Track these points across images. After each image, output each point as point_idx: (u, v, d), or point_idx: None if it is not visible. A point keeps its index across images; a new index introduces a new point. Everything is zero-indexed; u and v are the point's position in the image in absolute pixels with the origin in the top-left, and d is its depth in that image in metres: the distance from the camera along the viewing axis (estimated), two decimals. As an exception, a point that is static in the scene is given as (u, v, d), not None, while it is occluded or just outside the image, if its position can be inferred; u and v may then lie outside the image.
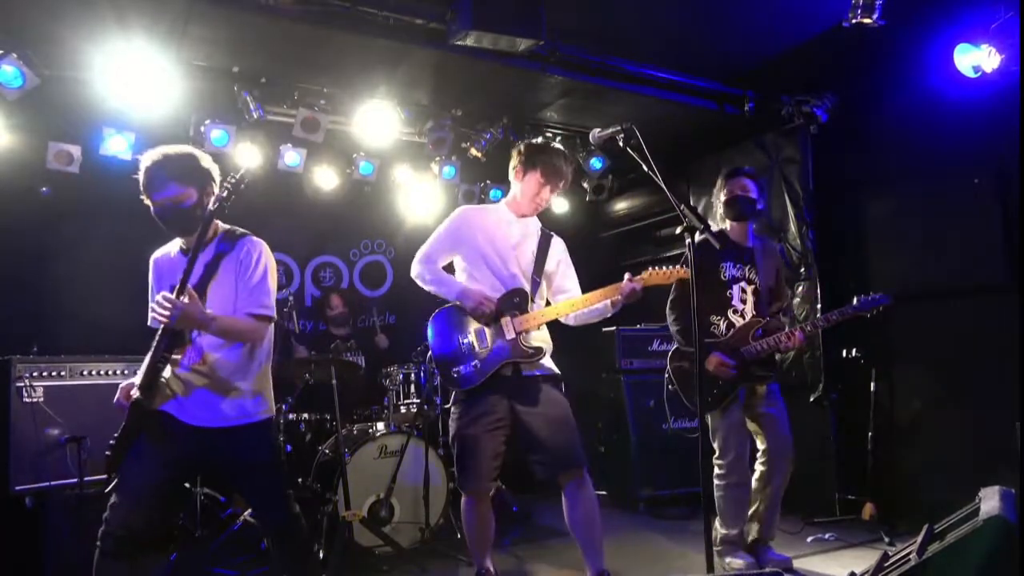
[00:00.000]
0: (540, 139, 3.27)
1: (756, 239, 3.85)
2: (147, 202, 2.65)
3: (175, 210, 2.61)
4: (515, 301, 3.11)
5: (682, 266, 3.07)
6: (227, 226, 2.78)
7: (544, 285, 3.27)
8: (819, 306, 5.00)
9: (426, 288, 3.24)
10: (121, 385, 2.67)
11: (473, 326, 3.11)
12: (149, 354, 2.59)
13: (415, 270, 3.25)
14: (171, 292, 2.61)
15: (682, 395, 3.72)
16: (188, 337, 2.64)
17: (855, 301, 3.56)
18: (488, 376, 3.03)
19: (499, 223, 3.24)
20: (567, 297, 3.25)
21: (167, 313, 2.45)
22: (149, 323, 2.82)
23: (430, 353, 3.22)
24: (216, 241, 2.71)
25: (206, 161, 2.72)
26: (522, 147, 3.26)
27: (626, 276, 3.08)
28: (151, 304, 2.80)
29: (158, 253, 2.85)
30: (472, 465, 3.06)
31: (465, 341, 3.10)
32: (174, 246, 2.81)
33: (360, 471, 4.18)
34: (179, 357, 2.64)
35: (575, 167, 3.26)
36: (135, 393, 2.59)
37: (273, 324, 2.76)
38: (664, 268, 3.07)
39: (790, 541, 4.20)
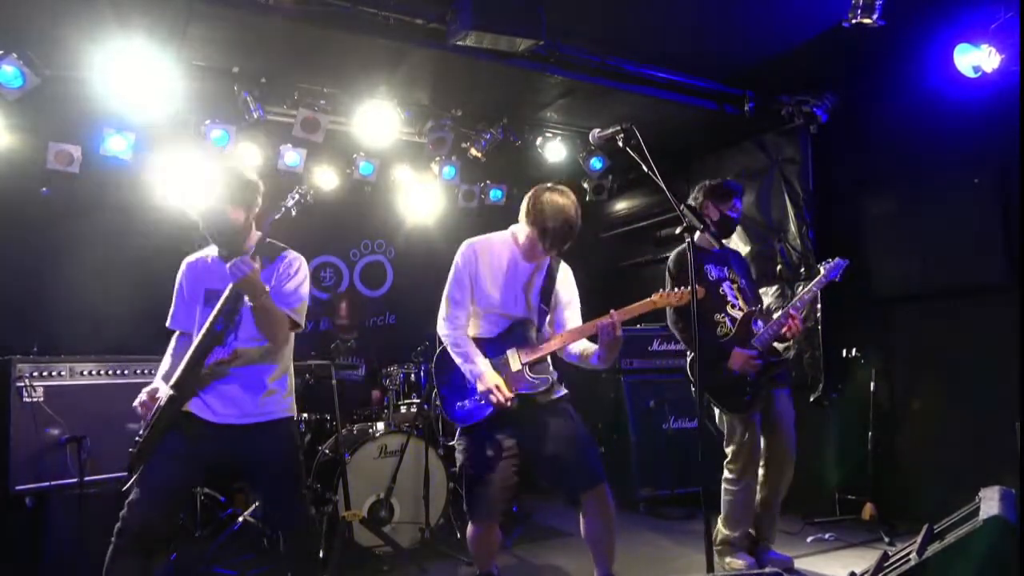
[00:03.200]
0: (552, 192, 3.02)
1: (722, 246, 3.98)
2: (195, 219, 2.73)
3: (228, 230, 2.68)
4: (520, 333, 3.04)
5: (672, 290, 2.97)
6: (268, 239, 2.84)
7: (551, 315, 3.17)
8: (819, 306, 5.00)
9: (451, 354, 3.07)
10: (145, 388, 2.71)
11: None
12: (189, 353, 2.65)
13: (443, 330, 3.07)
14: (203, 297, 2.74)
15: (713, 400, 3.66)
16: (224, 338, 2.67)
17: (823, 271, 3.70)
18: (494, 409, 2.93)
19: (504, 255, 3.09)
20: (563, 327, 3.11)
21: (239, 271, 2.49)
22: (168, 324, 2.89)
23: (435, 389, 3.14)
24: (254, 252, 2.75)
25: (252, 176, 2.77)
26: (533, 196, 2.99)
27: (611, 312, 2.88)
28: (174, 306, 2.89)
29: (191, 258, 2.91)
30: (484, 496, 2.96)
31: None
32: (211, 251, 2.87)
33: (360, 471, 4.18)
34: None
35: (577, 225, 3.00)
36: (167, 392, 2.63)
37: (300, 327, 2.79)
38: (657, 296, 2.95)
39: (790, 541, 4.20)
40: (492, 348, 3.04)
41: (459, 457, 3.06)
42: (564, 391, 3.10)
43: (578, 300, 3.22)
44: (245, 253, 2.67)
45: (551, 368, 3.12)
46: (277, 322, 2.66)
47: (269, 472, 2.77)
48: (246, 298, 2.60)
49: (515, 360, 3.00)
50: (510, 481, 2.98)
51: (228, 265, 2.52)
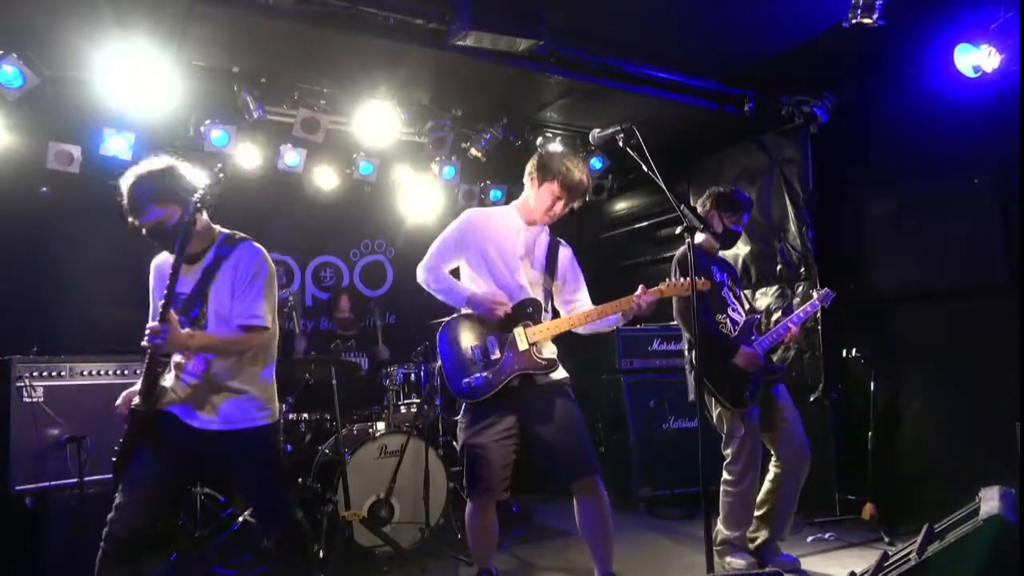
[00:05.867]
0: (560, 148, 3.21)
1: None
2: (135, 224, 2.64)
3: (162, 231, 2.60)
4: (528, 311, 3.04)
5: (679, 280, 3.11)
6: (227, 231, 2.78)
7: (554, 294, 3.21)
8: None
9: (434, 295, 3.16)
10: (124, 392, 2.68)
11: (484, 336, 3.03)
12: (146, 362, 2.57)
13: (421, 277, 3.16)
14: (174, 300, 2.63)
15: (716, 395, 3.67)
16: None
17: (815, 296, 3.83)
18: (499, 387, 2.96)
19: (507, 230, 3.13)
20: (576, 307, 3.19)
21: (156, 342, 2.44)
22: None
23: (439, 363, 3.17)
24: (215, 247, 2.71)
25: (184, 170, 2.68)
26: (542, 153, 3.17)
27: (640, 287, 3.02)
28: (151, 309, 2.81)
29: (158, 260, 2.85)
30: (483, 475, 2.98)
31: (476, 352, 3.02)
32: None
33: (360, 471, 4.18)
34: (183, 361, 2.66)
35: (590, 179, 3.16)
36: (136, 401, 2.60)
37: (269, 330, 2.71)
38: (680, 280, 3.08)
39: (790, 541, 4.18)
40: (499, 326, 3.04)
41: (461, 434, 3.08)
42: (565, 375, 3.13)
43: (582, 279, 3.29)
44: (195, 254, 2.65)
45: (554, 347, 3.15)
46: (230, 346, 2.63)
47: (247, 479, 2.76)
48: (209, 307, 2.61)
49: (522, 339, 3.01)
50: (508, 459, 3.01)
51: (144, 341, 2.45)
